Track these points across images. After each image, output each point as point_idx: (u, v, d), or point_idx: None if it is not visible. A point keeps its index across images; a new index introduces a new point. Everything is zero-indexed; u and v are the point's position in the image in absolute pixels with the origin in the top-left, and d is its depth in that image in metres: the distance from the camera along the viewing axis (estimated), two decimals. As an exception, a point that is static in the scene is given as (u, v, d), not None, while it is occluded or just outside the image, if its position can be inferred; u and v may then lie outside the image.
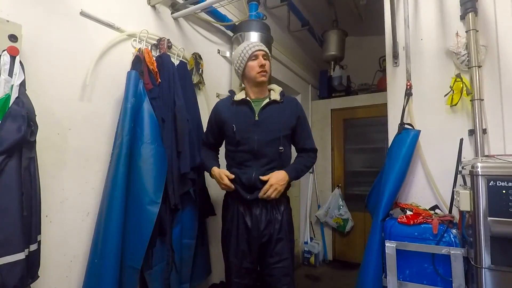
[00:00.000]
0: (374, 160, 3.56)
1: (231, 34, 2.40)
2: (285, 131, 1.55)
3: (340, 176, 3.76)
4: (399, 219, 1.48)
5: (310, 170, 3.80)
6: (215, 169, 1.59)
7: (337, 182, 3.74)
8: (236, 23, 2.32)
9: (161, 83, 1.68)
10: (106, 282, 1.30)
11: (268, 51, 1.59)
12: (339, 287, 2.95)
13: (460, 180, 1.50)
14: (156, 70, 1.68)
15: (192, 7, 1.90)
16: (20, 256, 1.04)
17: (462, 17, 1.66)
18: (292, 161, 1.62)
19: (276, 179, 1.46)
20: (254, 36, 2.17)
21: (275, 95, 1.59)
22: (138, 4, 1.74)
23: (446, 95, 1.65)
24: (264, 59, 1.55)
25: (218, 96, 2.32)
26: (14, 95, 1.08)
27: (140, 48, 1.65)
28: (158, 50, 1.79)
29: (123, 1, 1.65)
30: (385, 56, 1.90)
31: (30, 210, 1.08)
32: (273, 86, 1.66)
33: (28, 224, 1.08)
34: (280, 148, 1.52)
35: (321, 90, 4.09)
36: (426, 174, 1.68)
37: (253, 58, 1.54)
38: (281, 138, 1.52)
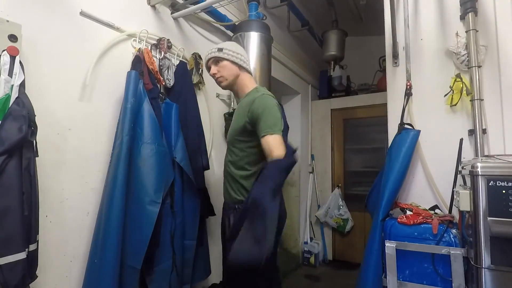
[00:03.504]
0: (374, 160, 3.56)
1: (231, 34, 2.40)
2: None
3: (340, 176, 3.76)
4: (399, 219, 1.48)
5: (310, 170, 3.80)
6: None
7: (337, 182, 3.74)
8: (236, 23, 2.32)
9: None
10: (106, 282, 1.30)
11: (215, 54, 1.41)
12: (339, 287, 2.95)
13: (460, 180, 1.50)
14: (156, 69, 1.68)
15: (192, 7, 1.90)
16: (21, 255, 1.04)
17: (462, 17, 1.66)
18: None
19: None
20: (254, 36, 2.17)
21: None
22: (138, 4, 1.74)
23: (446, 95, 1.65)
24: (217, 63, 1.43)
25: (218, 96, 2.32)
26: (14, 95, 1.08)
27: (140, 48, 1.65)
28: (158, 50, 1.79)
29: (123, 1, 1.65)
30: (385, 56, 1.90)
31: (30, 210, 1.08)
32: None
33: (28, 224, 1.08)
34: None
35: (321, 90, 4.09)
36: (426, 174, 1.68)
37: (208, 69, 1.48)
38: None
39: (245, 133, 1.34)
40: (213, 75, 1.45)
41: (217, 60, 1.42)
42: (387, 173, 1.62)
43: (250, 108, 1.30)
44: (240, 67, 1.44)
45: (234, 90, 1.49)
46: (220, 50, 1.41)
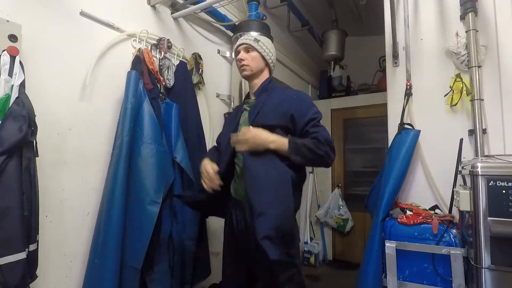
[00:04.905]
0: (374, 160, 3.56)
1: (231, 34, 2.40)
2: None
3: (340, 176, 3.76)
4: (399, 219, 1.48)
5: (310, 170, 3.80)
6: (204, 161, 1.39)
7: (337, 182, 3.74)
8: (236, 23, 2.32)
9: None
10: (106, 282, 1.30)
11: (250, 42, 1.40)
12: (339, 287, 2.95)
13: (460, 180, 1.50)
14: (156, 69, 1.68)
15: (192, 7, 1.90)
16: (21, 255, 1.04)
17: (462, 17, 1.66)
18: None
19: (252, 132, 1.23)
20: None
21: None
22: (138, 4, 1.74)
23: (446, 95, 1.65)
24: (248, 51, 1.40)
25: (218, 96, 2.32)
26: (14, 95, 1.08)
27: (140, 48, 1.65)
28: (158, 50, 1.79)
29: (123, 1, 1.65)
30: (385, 56, 1.90)
31: (30, 210, 1.08)
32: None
33: (28, 224, 1.08)
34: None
35: (321, 90, 4.09)
36: (426, 174, 1.68)
37: (237, 54, 1.44)
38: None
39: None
40: (240, 60, 1.41)
41: (249, 49, 1.40)
42: (387, 173, 1.62)
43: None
44: (267, 64, 1.44)
45: (252, 83, 1.45)
46: (256, 41, 1.40)
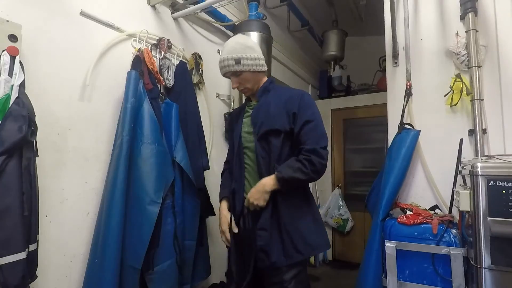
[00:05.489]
0: (374, 160, 3.56)
1: (231, 34, 2.40)
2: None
3: (340, 176, 3.76)
4: (399, 219, 1.48)
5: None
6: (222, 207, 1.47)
7: (337, 182, 3.74)
8: (236, 23, 2.32)
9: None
10: (106, 282, 1.30)
11: (233, 69, 1.32)
12: (339, 287, 2.95)
13: (460, 180, 1.50)
14: (156, 69, 1.68)
15: (192, 7, 1.90)
16: (21, 255, 1.04)
17: (462, 17, 1.66)
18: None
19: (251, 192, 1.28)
20: (254, 36, 2.17)
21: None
22: (138, 4, 1.75)
23: (446, 95, 1.65)
24: (236, 75, 1.35)
25: (218, 96, 2.32)
26: (14, 95, 1.08)
27: (140, 48, 1.65)
28: (158, 50, 1.79)
29: (123, 1, 1.65)
30: (385, 56, 1.90)
31: (30, 210, 1.08)
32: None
33: (28, 224, 1.08)
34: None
35: (321, 90, 4.09)
36: (426, 174, 1.68)
37: (227, 77, 1.42)
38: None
39: None
40: (235, 88, 1.39)
41: (236, 73, 1.35)
42: (387, 173, 1.62)
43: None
44: (260, 72, 1.38)
45: (254, 92, 1.44)
46: (237, 62, 1.30)
